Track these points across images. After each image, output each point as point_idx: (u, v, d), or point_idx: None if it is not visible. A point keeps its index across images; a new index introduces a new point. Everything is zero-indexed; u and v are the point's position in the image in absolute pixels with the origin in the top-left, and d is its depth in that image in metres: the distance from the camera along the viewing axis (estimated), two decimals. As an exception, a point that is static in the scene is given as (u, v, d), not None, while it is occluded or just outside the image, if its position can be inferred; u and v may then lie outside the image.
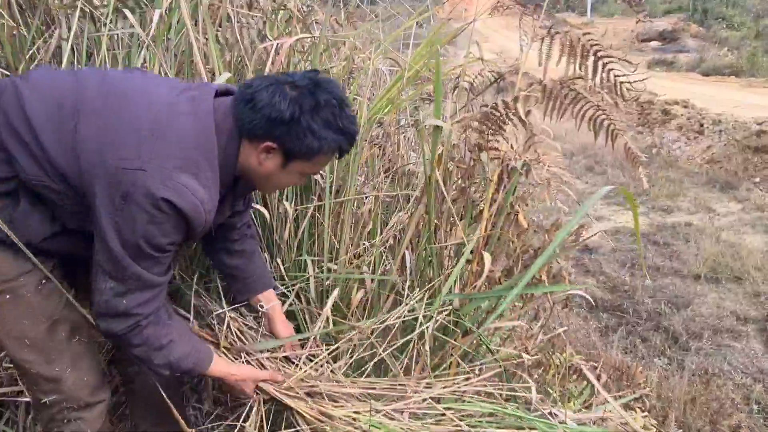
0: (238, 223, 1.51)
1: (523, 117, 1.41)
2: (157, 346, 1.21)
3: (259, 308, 1.55)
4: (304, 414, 1.33)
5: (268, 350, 1.54)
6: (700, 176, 7.11)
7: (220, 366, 1.36)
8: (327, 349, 1.54)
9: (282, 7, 1.99)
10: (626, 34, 21.08)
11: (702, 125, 8.65)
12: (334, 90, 1.17)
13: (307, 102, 1.12)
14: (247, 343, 1.55)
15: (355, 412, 1.29)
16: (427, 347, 1.42)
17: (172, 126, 1.11)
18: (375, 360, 1.49)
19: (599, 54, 1.52)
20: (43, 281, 1.21)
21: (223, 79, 1.68)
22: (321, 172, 1.81)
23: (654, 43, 19.41)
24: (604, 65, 1.52)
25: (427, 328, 1.42)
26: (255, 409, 1.38)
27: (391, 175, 2.11)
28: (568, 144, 8.53)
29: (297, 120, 1.12)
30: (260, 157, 1.17)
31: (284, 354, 1.55)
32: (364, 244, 1.84)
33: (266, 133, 1.14)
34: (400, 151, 2.21)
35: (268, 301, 1.56)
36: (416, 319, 1.48)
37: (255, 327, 1.63)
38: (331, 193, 1.83)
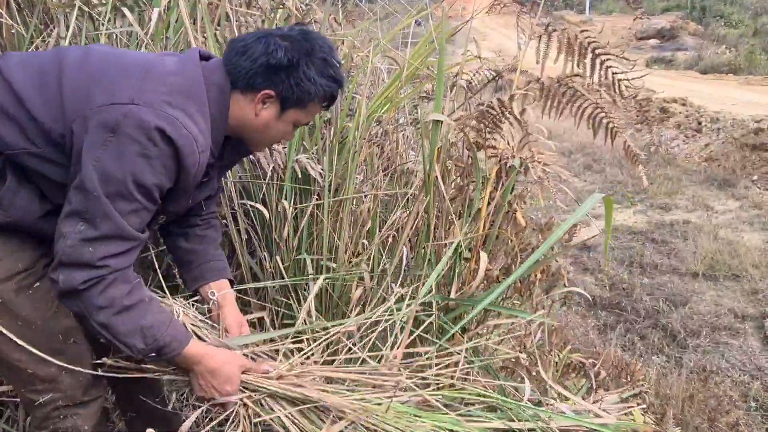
0: (206, 210, 1.45)
1: (517, 116, 1.41)
2: (124, 306, 1.07)
3: (210, 296, 1.39)
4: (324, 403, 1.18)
5: (247, 346, 1.34)
6: (698, 174, 7.11)
7: (200, 347, 1.20)
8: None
9: (281, 6, 2.00)
10: (624, 31, 21.09)
11: (700, 123, 8.66)
12: (324, 38, 1.21)
13: (302, 48, 1.15)
14: (209, 339, 1.31)
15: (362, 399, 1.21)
16: (401, 348, 1.35)
17: (162, 74, 1.10)
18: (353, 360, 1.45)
19: (597, 51, 1.53)
20: (38, 283, 1.18)
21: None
22: (320, 171, 1.82)
23: (652, 41, 19.44)
24: (602, 63, 1.53)
25: (402, 328, 1.37)
26: (242, 414, 1.19)
27: (389, 174, 2.12)
28: (566, 142, 8.55)
29: (296, 65, 1.14)
30: (257, 108, 1.18)
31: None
32: (363, 243, 1.84)
33: (264, 81, 1.15)
34: (399, 150, 2.21)
35: (220, 289, 1.41)
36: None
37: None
38: (330, 191, 1.83)
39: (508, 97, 1.43)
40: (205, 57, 1.22)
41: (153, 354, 1.12)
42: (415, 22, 2.42)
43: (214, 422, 1.21)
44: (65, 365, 1.22)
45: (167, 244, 1.49)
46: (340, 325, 1.36)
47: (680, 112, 9.39)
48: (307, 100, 1.19)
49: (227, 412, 1.21)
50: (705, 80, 12.79)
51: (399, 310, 1.40)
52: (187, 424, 1.17)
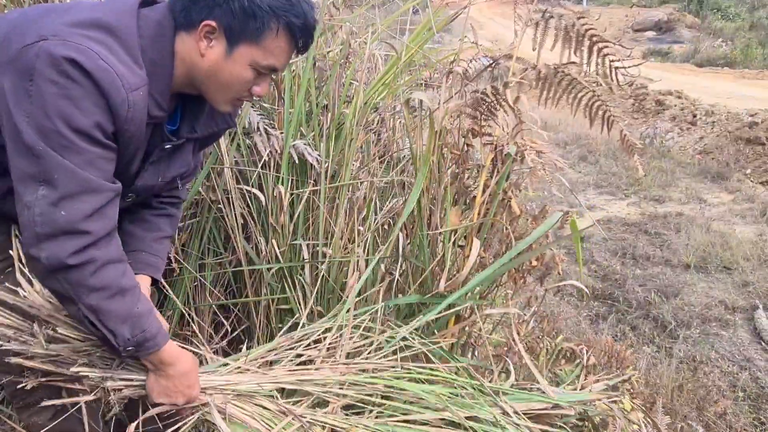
0: (166, 196, 1.32)
1: (511, 103, 1.41)
2: (120, 288, 0.98)
3: None
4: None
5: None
6: (692, 167, 7.14)
7: (175, 346, 1.12)
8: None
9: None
10: (621, 23, 21.04)
11: (695, 116, 8.69)
12: None
13: None
14: None
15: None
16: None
17: (81, 9, 0.98)
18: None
19: (594, 39, 1.53)
20: (8, 270, 1.11)
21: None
22: (317, 157, 1.81)
23: (649, 33, 19.40)
24: (599, 50, 1.53)
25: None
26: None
27: (386, 161, 2.12)
28: (561, 133, 8.56)
29: None
30: (201, 46, 1.01)
31: None
32: (359, 229, 1.85)
33: (202, 9, 0.98)
34: (395, 137, 2.22)
35: (141, 284, 1.20)
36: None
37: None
38: (326, 177, 1.83)
39: (502, 84, 1.43)
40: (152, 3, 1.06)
41: (131, 348, 1.02)
42: (413, 10, 2.42)
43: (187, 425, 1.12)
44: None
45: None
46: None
47: (675, 105, 9.42)
48: (259, 30, 0.99)
49: (192, 416, 1.12)
50: (701, 73, 12.81)
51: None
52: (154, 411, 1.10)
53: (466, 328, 1.75)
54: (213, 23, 0.99)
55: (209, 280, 1.84)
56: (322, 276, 1.71)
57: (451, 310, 1.61)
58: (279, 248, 1.79)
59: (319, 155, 1.83)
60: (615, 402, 1.29)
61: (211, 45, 1.01)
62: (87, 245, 0.93)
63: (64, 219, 0.92)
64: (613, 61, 1.49)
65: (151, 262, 1.27)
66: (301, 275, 1.76)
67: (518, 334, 2.09)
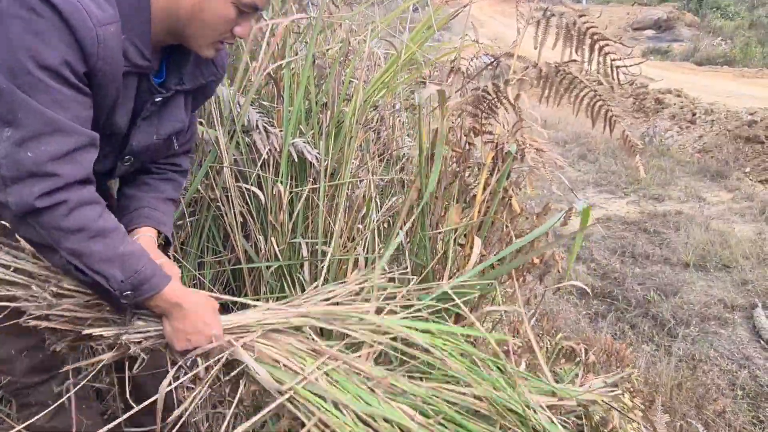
0: (165, 163, 1.28)
1: (512, 101, 1.41)
2: (99, 229, 0.94)
3: None
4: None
5: None
6: (691, 165, 7.14)
7: (179, 285, 1.06)
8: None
9: (277, -13, 1.97)
10: (621, 21, 21.03)
11: (694, 115, 8.69)
12: None
13: None
14: None
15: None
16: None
17: None
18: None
19: (595, 37, 1.52)
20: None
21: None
22: (317, 155, 1.81)
23: (649, 32, 19.40)
24: (601, 49, 1.52)
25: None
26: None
27: (385, 159, 2.12)
28: (561, 132, 8.56)
29: None
30: None
31: None
32: (358, 228, 1.85)
33: None
34: (395, 136, 2.21)
35: (142, 234, 1.16)
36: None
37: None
38: (325, 176, 1.83)
39: (503, 82, 1.43)
40: None
41: (129, 291, 0.97)
42: (413, 8, 2.41)
43: (216, 368, 1.05)
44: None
45: (119, 191, 1.30)
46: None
47: (675, 104, 9.41)
48: None
49: (219, 355, 1.04)
50: (700, 72, 12.80)
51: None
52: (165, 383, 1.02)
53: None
54: None
55: (208, 278, 1.83)
56: (322, 274, 1.71)
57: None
58: (278, 246, 1.79)
59: (318, 153, 1.82)
60: (617, 399, 1.29)
61: None
62: (56, 188, 0.89)
63: (30, 160, 0.87)
64: (614, 59, 1.48)
65: (151, 216, 1.20)
66: (300, 273, 1.76)
67: (518, 332, 2.09)
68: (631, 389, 1.64)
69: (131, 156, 1.13)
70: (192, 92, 1.18)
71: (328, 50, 2.06)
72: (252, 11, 1.02)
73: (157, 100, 1.08)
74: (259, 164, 1.77)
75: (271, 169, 1.78)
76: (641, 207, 5.98)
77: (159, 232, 1.20)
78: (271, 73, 1.84)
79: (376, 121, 2.14)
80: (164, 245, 1.25)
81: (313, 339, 1.08)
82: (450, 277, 1.61)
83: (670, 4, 21.20)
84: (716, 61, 13.69)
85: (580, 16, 1.47)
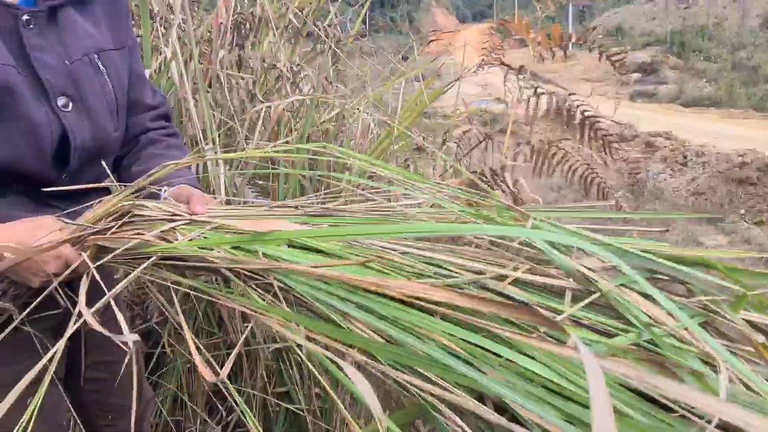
0: (149, 123, 1.13)
1: (511, 186, 1.42)
2: None
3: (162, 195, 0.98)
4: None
5: None
6: (686, 209, 7.18)
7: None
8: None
9: (272, 67, 2.01)
10: (606, 65, 21.60)
11: (685, 157, 8.80)
12: None
13: None
14: None
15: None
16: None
17: None
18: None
19: (586, 114, 1.55)
20: None
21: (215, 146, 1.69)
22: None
23: (635, 75, 19.90)
24: (592, 125, 1.55)
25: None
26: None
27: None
28: (555, 179, 8.62)
29: None
30: None
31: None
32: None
33: None
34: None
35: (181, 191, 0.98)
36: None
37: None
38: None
39: (500, 166, 1.44)
40: None
41: None
42: (402, 57, 2.46)
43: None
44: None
45: (124, 180, 1.09)
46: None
47: (665, 146, 9.55)
48: None
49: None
50: (688, 113, 13.07)
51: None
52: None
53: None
54: None
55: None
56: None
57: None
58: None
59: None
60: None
61: None
62: None
63: None
64: (605, 135, 1.50)
65: (185, 174, 1.04)
66: (298, 354, 1.72)
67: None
68: None
69: (68, 99, 0.92)
70: (82, 3, 0.98)
71: (322, 123, 2.08)
72: None
73: (25, 18, 0.87)
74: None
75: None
76: (639, 252, 5.97)
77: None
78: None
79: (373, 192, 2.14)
80: None
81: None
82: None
83: (653, 47, 21.85)
84: (702, 103, 13.99)
85: (570, 95, 1.50)
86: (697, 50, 19.77)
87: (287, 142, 1.88)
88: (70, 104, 0.92)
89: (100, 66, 0.97)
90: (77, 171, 0.96)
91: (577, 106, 1.51)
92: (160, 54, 2.03)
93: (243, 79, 1.94)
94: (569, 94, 1.51)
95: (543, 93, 1.50)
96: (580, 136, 1.57)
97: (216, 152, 1.78)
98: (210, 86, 1.93)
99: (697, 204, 7.27)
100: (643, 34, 24.86)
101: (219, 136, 1.86)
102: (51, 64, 0.90)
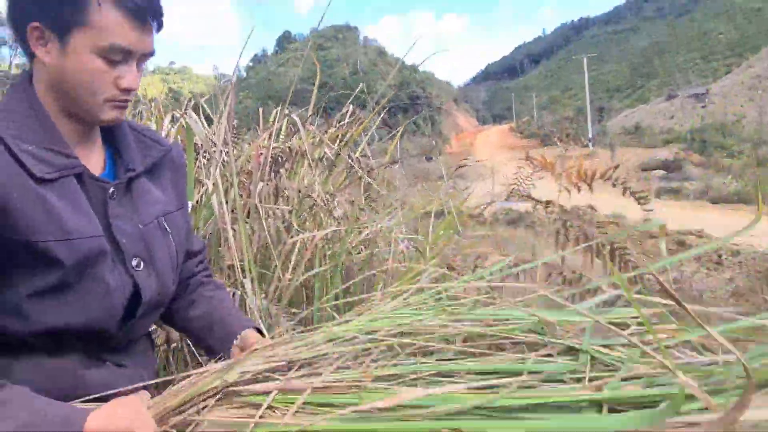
0: (195, 268, 1.22)
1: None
2: None
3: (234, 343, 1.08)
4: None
5: None
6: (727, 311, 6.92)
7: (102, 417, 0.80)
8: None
9: (307, 196, 2.12)
10: (629, 163, 21.90)
11: (720, 256, 8.63)
12: None
13: None
14: None
15: None
16: None
17: None
18: None
19: (615, 246, 1.57)
20: None
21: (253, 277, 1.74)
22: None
23: (658, 172, 20.09)
24: (622, 257, 1.56)
25: None
26: None
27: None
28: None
29: None
30: (40, 54, 0.91)
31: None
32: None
33: (21, 18, 0.90)
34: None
35: (247, 337, 1.09)
36: None
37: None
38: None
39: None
40: None
41: None
42: (426, 158, 2.54)
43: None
44: None
45: (177, 327, 1.23)
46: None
47: (698, 245, 9.42)
48: (79, 8, 0.88)
49: None
50: (716, 210, 12.99)
51: None
52: None
53: None
54: (36, 23, 0.89)
55: None
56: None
57: None
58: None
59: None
60: None
61: (47, 49, 0.90)
62: None
63: None
64: (636, 267, 1.51)
65: (242, 317, 1.15)
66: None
67: None
68: None
69: (140, 260, 0.99)
70: (151, 173, 1.08)
71: (354, 247, 2.15)
72: (123, 56, 0.93)
73: (111, 191, 0.98)
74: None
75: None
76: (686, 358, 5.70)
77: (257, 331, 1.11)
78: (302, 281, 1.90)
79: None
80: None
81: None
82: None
83: (675, 145, 22.20)
84: (731, 199, 13.92)
85: (599, 228, 1.54)
86: (719, 147, 20.00)
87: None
88: (142, 264, 0.99)
89: (166, 227, 1.06)
90: (135, 323, 1.02)
91: (609, 242, 1.54)
92: (202, 186, 2.16)
93: (279, 209, 2.03)
94: (598, 227, 1.54)
95: (571, 227, 1.54)
96: (610, 265, 1.58)
97: (252, 281, 1.83)
98: (248, 216, 2.03)
99: (738, 307, 7.01)
100: (663, 132, 25.38)
101: (255, 265, 1.93)
102: (128, 230, 0.98)
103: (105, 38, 0.89)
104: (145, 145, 1.08)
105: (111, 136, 1.05)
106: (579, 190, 1.55)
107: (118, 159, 1.04)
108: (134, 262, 0.98)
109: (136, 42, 0.93)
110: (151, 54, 0.98)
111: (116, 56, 0.91)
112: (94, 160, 1.01)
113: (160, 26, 0.97)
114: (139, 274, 0.98)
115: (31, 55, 0.93)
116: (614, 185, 1.45)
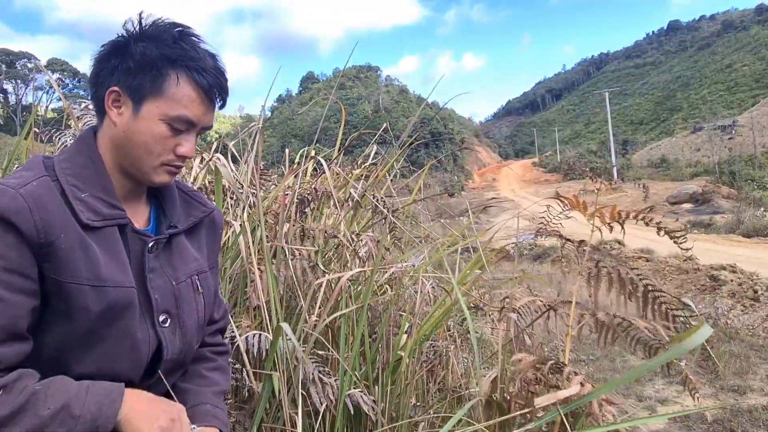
0: (208, 337, 1.22)
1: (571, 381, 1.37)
2: (12, 411, 0.82)
3: None
4: None
5: None
6: (766, 350, 6.64)
7: (142, 400, 0.94)
8: None
9: (333, 237, 2.13)
10: (656, 196, 21.56)
11: (756, 291, 8.34)
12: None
13: (132, 33, 0.98)
14: None
15: None
16: None
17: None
18: None
19: (648, 287, 1.53)
20: None
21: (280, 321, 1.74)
22: (373, 405, 1.76)
23: (686, 205, 19.71)
24: (655, 299, 1.52)
25: None
26: None
27: (446, 396, 2.05)
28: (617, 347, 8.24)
29: (124, 46, 0.97)
30: (112, 116, 0.98)
31: None
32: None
33: (102, 81, 0.98)
34: (453, 368, 2.16)
35: None
36: None
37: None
38: (382, 424, 1.76)
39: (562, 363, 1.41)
40: None
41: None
42: (449, 194, 2.52)
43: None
44: None
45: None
46: None
47: (732, 280, 9.12)
48: (158, 80, 0.96)
49: None
50: (750, 244, 12.62)
51: None
52: None
53: None
54: (116, 88, 0.97)
55: None
56: None
57: None
58: None
59: (374, 400, 1.78)
60: None
61: (120, 111, 0.98)
62: None
63: None
64: (669, 308, 1.47)
65: (218, 415, 1.13)
66: None
67: None
68: None
69: (167, 316, 1.03)
70: (190, 232, 1.13)
71: (382, 294, 2.13)
72: (187, 126, 1.00)
73: (150, 245, 1.02)
74: (314, 420, 1.72)
75: (326, 424, 1.73)
76: (721, 400, 5.45)
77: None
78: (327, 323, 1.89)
79: (433, 356, 2.11)
80: None
81: None
82: None
83: (703, 177, 21.83)
84: (764, 233, 13.54)
85: (633, 269, 1.50)
86: (749, 179, 19.59)
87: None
88: (168, 321, 1.03)
89: (199, 287, 1.10)
90: (155, 383, 1.04)
91: (640, 280, 1.50)
92: (230, 227, 2.19)
93: (306, 250, 2.04)
94: (632, 268, 1.51)
95: (604, 267, 1.51)
96: (642, 308, 1.54)
97: (279, 321, 1.83)
98: (274, 257, 2.04)
99: (778, 344, 6.72)
100: (690, 164, 25.00)
101: (281, 306, 1.93)
102: (161, 285, 1.02)
103: (176, 109, 0.98)
104: (190, 206, 1.14)
105: (158, 193, 1.10)
106: (611, 230, 1.52)
107: (161, 216, 1.09)
108: (161, 318, 1.02)
109: (201, 116, 1.01)
110: (210, 128, 1.06)
111: (181, 126, 0.99)
112: (139, 214, 1.06)
113: (223, 104, 1.04)
114: (165, 330, 1.02)
115: (101, 113, 1.00)
116: (647, 224, 1.42)
